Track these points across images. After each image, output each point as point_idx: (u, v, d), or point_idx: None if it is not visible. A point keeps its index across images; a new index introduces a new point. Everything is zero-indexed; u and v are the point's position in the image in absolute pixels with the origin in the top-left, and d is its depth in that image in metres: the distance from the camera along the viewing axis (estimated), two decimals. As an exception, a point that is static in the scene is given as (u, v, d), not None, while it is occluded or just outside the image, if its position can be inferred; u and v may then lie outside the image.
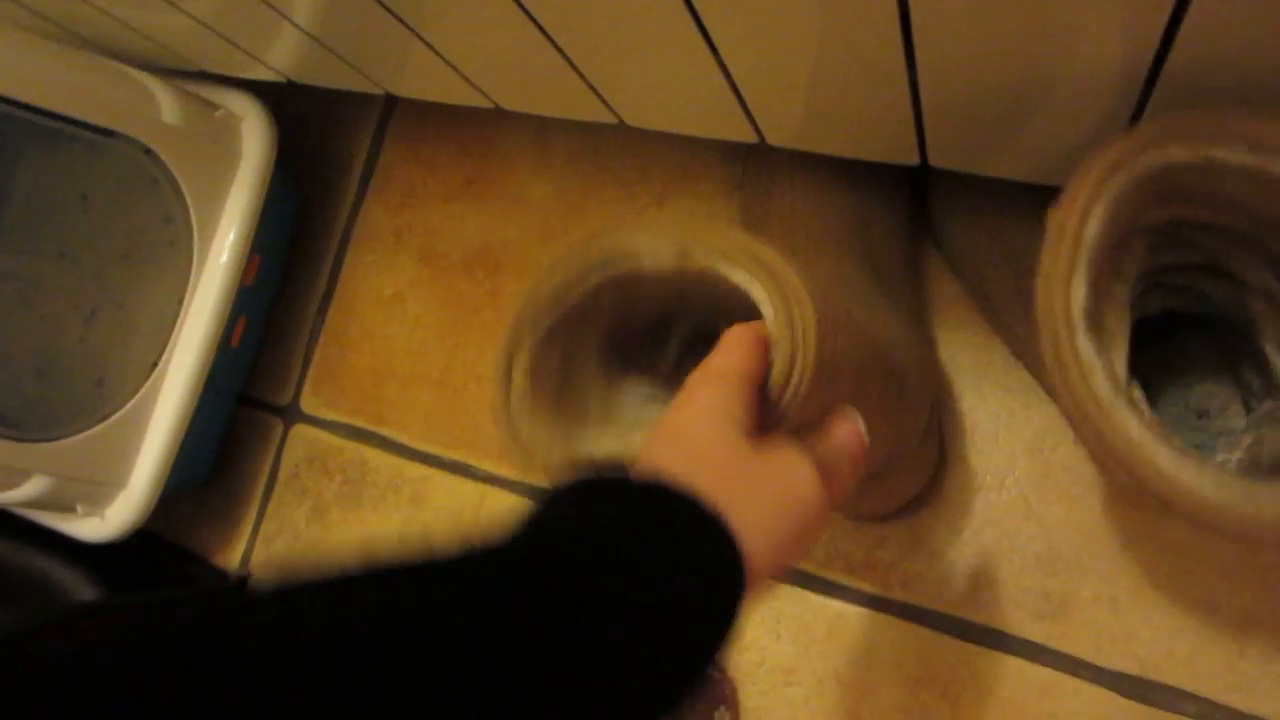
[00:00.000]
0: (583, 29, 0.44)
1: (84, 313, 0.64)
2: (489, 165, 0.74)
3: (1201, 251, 0.42)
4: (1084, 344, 0.33)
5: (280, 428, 0.77)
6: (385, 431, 0.73)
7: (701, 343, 0.40)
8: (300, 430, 0.76)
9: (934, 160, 0.47)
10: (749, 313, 0.34)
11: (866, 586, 0.57)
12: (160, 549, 0.77)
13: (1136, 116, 0.37)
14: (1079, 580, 0.52)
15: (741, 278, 0.33)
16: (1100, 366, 0.33)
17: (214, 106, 0.69)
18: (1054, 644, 0.52)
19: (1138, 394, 0.38)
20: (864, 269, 0.50)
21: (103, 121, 0.60)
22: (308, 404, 0.76)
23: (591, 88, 0.50)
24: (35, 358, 0.61)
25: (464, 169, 0.75)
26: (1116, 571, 0.51)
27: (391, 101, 0.79)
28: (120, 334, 0.65)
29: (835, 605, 0.57)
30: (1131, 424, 0.33)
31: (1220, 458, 0.42)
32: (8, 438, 0.59)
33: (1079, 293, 0.34)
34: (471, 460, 0.70)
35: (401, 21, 0.49)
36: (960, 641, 0.54)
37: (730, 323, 0.34)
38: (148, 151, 0.63)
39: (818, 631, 0.57)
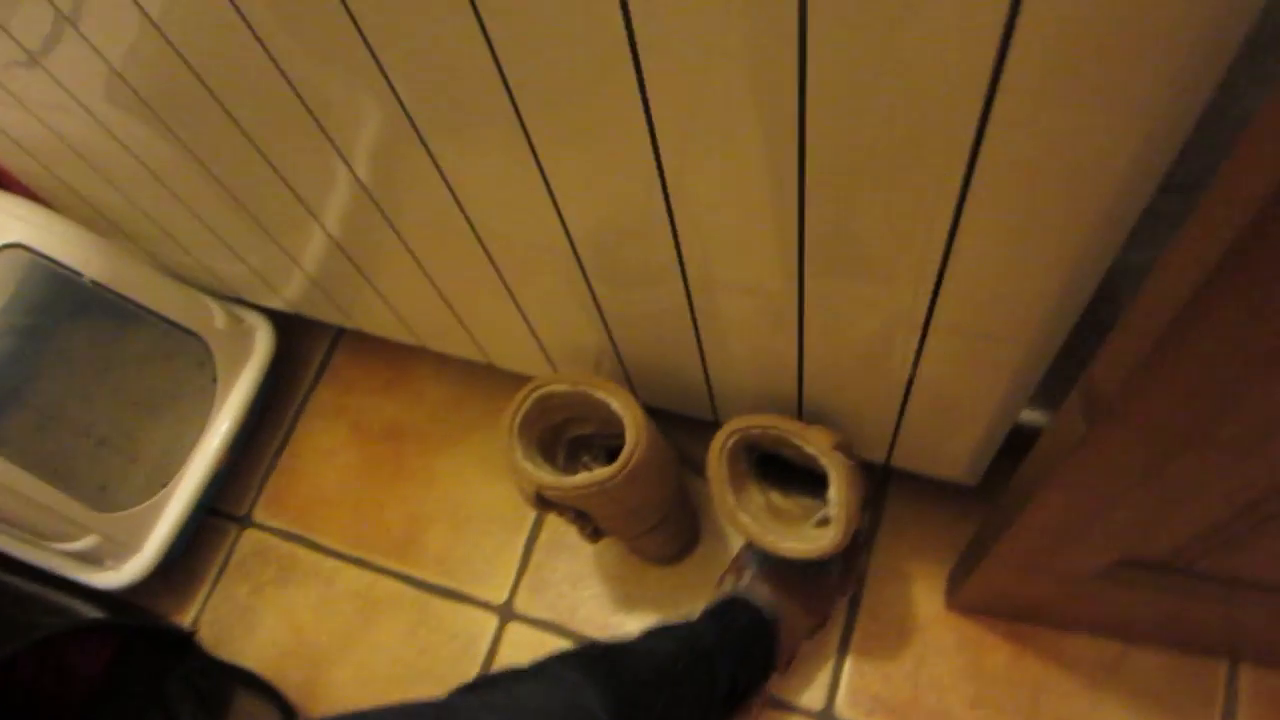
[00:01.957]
0: (471, 307, 0.89)
1: (136, 440, 1.02)
2: (403, 373, 1.18)
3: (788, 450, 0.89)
4: (728, 493, 0.78)
5: (236, 530, 1.13)
6: (311, 536, 1.11)
7: (580, 445, 0.84)
8: (250, 533, 1.13)
9: (644, 399, 0.93)
10: (611, 422, 0.77)
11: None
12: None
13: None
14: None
15: (605, 396, 0.77)
16: (731, 490, 0.78)
17: (241, 319, 1.11)
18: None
19: (775, 496, 0.83)
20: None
21: (180, 320, 1.01)
22: (258, 515, 1.13)
23: (475, 341, 0.95)
24: (130, 457, 0.98)
25: (386, 375, 1.18)
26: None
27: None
28: (154, 451, 1.03)
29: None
30: (735, 504, 0.77)
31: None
32: (84, 503, 0.94)
33: (725, 471, 0.78)
34: (368, 559, 1.08)
35: (372, 286, 0.94)
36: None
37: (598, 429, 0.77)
38: (203, 343, 1.04)
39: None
